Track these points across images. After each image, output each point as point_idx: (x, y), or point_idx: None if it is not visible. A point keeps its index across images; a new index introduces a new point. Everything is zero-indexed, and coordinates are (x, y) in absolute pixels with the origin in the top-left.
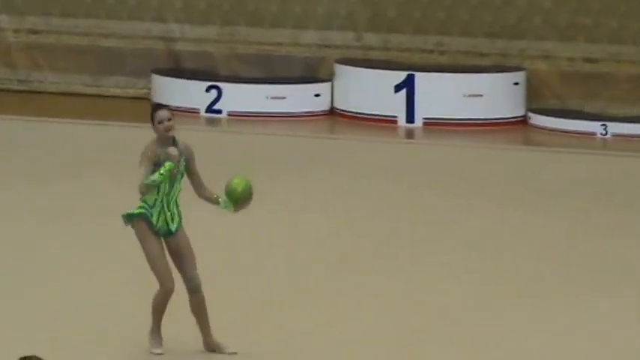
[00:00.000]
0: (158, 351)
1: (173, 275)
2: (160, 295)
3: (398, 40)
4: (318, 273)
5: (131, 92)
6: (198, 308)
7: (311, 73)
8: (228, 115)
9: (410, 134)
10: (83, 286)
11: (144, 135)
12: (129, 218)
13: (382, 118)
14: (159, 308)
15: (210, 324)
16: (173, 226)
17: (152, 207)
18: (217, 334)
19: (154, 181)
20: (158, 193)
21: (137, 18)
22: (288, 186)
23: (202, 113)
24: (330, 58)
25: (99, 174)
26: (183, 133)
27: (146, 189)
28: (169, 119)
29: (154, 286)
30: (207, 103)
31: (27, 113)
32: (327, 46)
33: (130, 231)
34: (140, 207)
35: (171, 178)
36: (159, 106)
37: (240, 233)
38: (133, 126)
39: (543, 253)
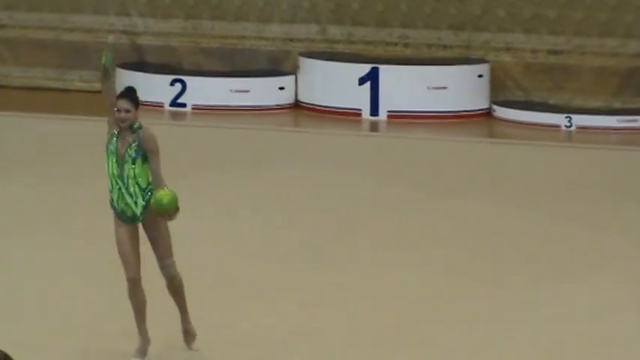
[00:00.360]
0: None
1: (139, 264)
2: (127, 287)
3: (362, 32)
4: (280, 265)
5: (96, 86)
6: (174, 293)
7: (275, 67)
8: (193, 108)
9: (374, 127)
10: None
11: (103, 128)
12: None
13: (346, 110)
14: (132, 304)
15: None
16: (137, 211)
17: (111, 191)
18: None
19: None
20: (108, 174)
21: (101, 12)
22: (252, 179)
23: (167, 107)
24: (294, 52)
25: (62, 168)
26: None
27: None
28: (127, 111)
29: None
30: (172, 96)
31: None
32: (291, 40)
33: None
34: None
35: (119, 160)
36: (122, 95)
37: (203, 227)
38: (97, 120)
39: (507, 243)
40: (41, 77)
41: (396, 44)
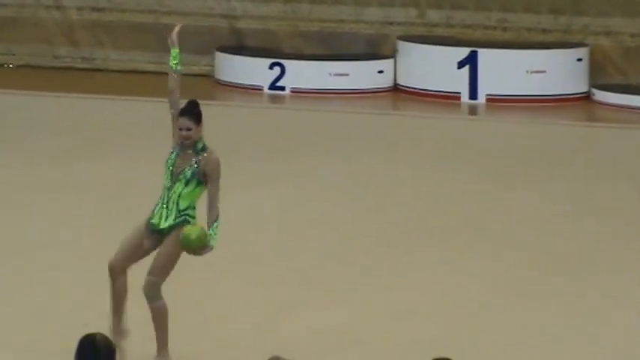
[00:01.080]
0: None
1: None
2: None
3: (461, 16)
4: (376, 248)
5: (194, 69)
6: (152, 319)
7: (374, 50)
8: (291, 91)
9: (473, 110)
10: None
11: (207, 113)
12: None
13: (445, 94)
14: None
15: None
16: (164, 224)
17: (159, 198)
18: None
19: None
20: (163, 186)
21: None
22: (349, 162)
23: (265, 90)
24: (392, 35)
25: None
26: (247, 110)
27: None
28: (188, 129)
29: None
30: (271, 80)
31: (90, 91)
32: (390, 23)
33: None
34: None
35: (173, 176)
36: (184, 111)
37: (303, 208)
38: None
39: (616, 227)
40: (139, 60)
41: (495, 28)
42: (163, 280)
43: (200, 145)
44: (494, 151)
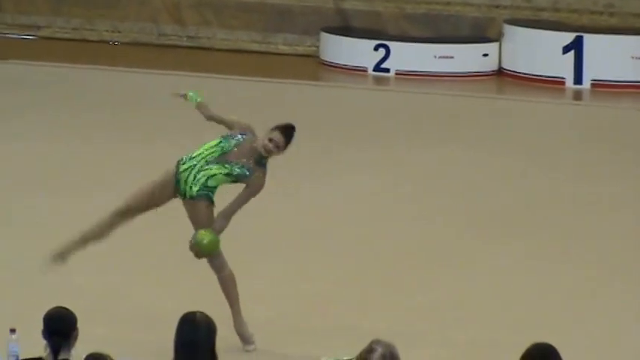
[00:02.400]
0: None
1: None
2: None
3: (567, 0)
4: (473, 231)
5: (300, 49)
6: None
7: (479, 33)
8: (396, 73)
9: (577, 96)
10: None
11: (310, 93)
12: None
13: (550, 79)
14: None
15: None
16: (188, 191)
17: (190, 158)
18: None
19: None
20: (202, 149)
21: None
22: (452, 145)
23: (370, 71)
24: (499, 19)
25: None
26: (351, 92)
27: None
28: (278, 146)
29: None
30: (375, 61)
31: (195, 69)
32: (496, 7)
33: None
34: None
35: (220, 158)
36: (286, 131)
37: (403, 191)
38: (300, 83)
39: None
40: (245, 40)
41: (601, 13)
42: None
43: (264, 160)
44: (598, 137)
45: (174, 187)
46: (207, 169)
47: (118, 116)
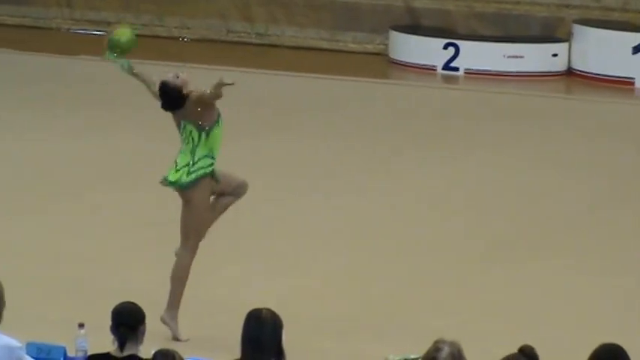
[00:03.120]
0: None
1: None
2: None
3: (637, 1)
4: (537, 230)
5: (369, 48)
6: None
7: (549, 33)
8: (465, 72)
9: None
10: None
11: (379, 91)
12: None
13: (619, 79)
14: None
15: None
16: (170, 176)
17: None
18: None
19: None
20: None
21: None
22: (520, 144)
23: (439, 70)
24: (568, 18)
25: (333, 129)
26: (420, 90)
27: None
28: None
29: None
30: (445, 60)
31: (264, 67)
32: (566, 6)
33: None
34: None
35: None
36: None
37: (472, 187)
38: (369, 82)
39: None
40: (314, 38)
41: None
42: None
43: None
44: None
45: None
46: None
47: None
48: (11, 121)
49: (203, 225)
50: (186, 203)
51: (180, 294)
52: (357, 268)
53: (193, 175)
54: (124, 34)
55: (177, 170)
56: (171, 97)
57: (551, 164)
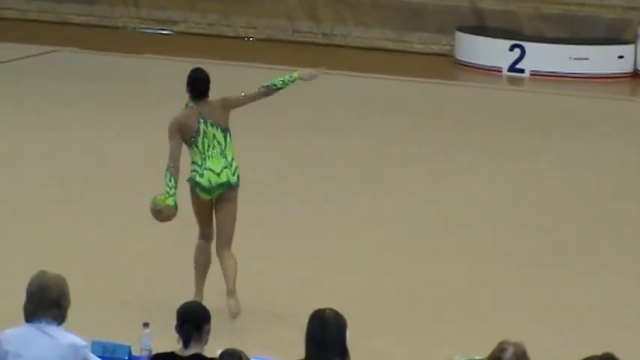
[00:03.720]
0: None
1: None
2: None
3: None
4: (602, 231)
5: (434, 48)
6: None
7: (615, 35)
8: (531, 74)
9: None
10: None
11: (445, 92)
12: None
13: None
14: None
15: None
16: (219, 179)
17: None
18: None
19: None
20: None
21: None
22: (586, 146)
23: (505, 72)
24: (635, 20)
25: (400, 130)
26: (486, 91)
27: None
28: None
29: None
30: (510, 61)
31: (330, 67)
32: (632, 9)
33: None
34: None
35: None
36: None
37: (540, 186)
38: (434, 82)
39: None
40: (380, 38)
41: None
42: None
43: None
44: None
45: None
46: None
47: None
48: (80, 118)
49: None
50: (230, 202)
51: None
52: (417, 269)
53: (237, 175)
54: (159, 204)
55: (219, 174)
56: (204, 85)
57: (616, 167)
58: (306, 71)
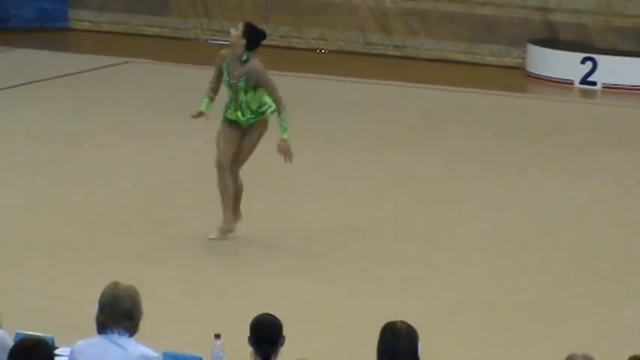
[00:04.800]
0: (211, 236)
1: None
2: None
3: None
4: None
5: (505, 61)
6: (237, 196)
7: None
8: (603, 87)
9: None
10: None
11: (517, 105)
12: None
13: None
14: (218, 188)
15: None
16: (242, 119)
17: (228, 103)
18: None
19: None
20: (229, 94)
21: None
22: None
23: (577, 85)
24: None
25: (470, 143)
26: (558, 104)
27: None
28: (235, 29)
29: None
30: (582, 74)
31: (402, 79)
32: None
33: None
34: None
35: (232, 88)
36: (244, 24)
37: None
38: (506, 95)
39: None
40: (452, 50)
41: None
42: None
43: (244, 57)
44: None
45: (233, 126)
46: (239, 101)
47: (328, 123)
48: (154, 127)
49: None
50: (251, 135)
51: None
52: (495, 278)
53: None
54: None
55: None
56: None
57: None
58: (285, 148)
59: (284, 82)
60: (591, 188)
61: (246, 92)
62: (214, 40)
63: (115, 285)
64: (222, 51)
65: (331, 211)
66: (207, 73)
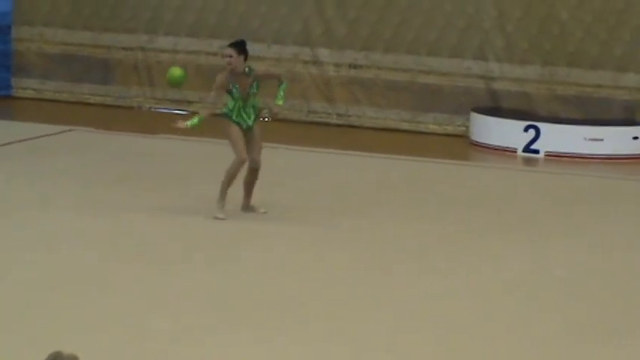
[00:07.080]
0: (221, 216)
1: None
2: (235, 165)
3: None
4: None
5: (449, 129)
6: (251, 182)
7: (630, 116)
8: (546, 155)
9: None
10: None
11: (460, 173)
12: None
13: None
14: (231, 176)
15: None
16: (250, 122)
17: (232, 110)
18: None
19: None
20: (235, 102)
21: (458, 56)
22: (602, 226)
23: (519, 152)
24: None
25: (414, 211)
26: (501, 172)
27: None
28: (230, 56)
29: None
30: (525, 142)
31: (344, 147)
32: None
33: None
34: (224, 110)
35: (244, 98)
36: (230, 44)
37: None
38: (449, 163)
39: None
40: (394, 119)
41: None
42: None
43: (248, 70)
44: None
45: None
46: (248, 106)
47: (279, 190)
48: (100, 199)
49: None
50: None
51: None
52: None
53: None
54: (174, 72)
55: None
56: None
57: (635, 247)
58: (277, 112)
59: (227, 151)
60: (535, 257)
61: (255, 94)
62: (157, 108)
63: (57, 355)
64: (219, 77)
65: (270, 282)
66: (151, 142)
